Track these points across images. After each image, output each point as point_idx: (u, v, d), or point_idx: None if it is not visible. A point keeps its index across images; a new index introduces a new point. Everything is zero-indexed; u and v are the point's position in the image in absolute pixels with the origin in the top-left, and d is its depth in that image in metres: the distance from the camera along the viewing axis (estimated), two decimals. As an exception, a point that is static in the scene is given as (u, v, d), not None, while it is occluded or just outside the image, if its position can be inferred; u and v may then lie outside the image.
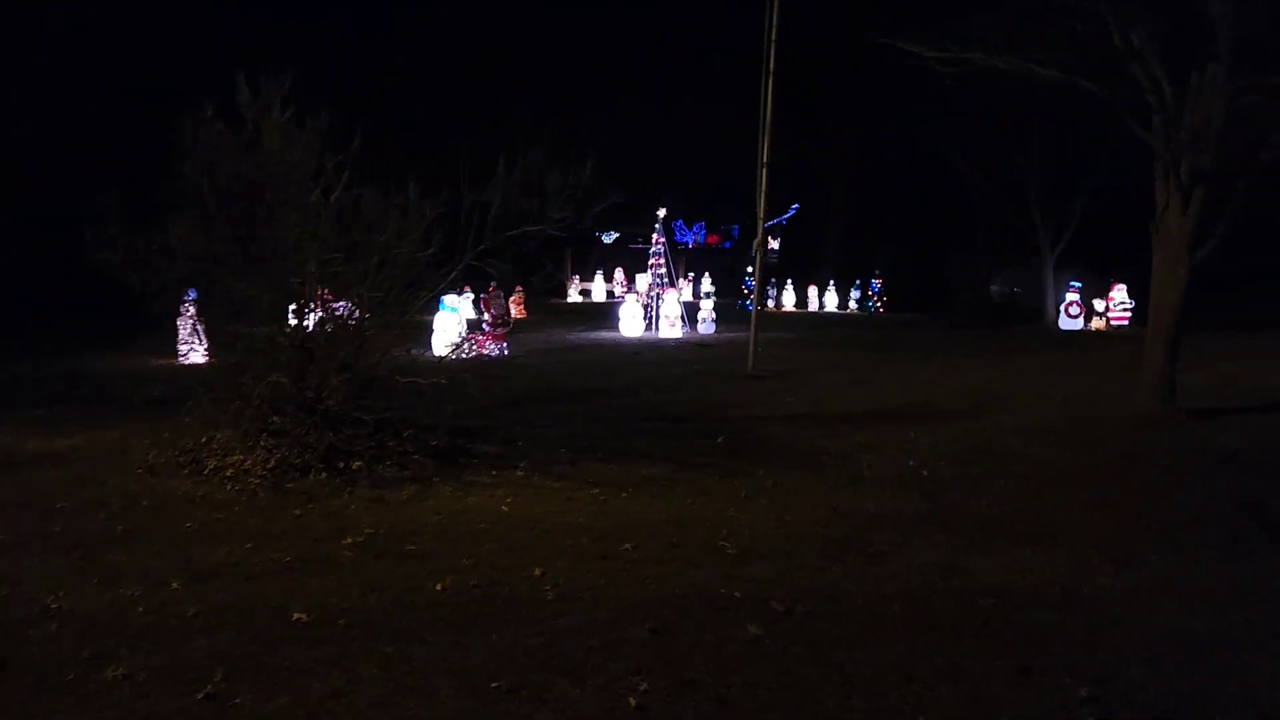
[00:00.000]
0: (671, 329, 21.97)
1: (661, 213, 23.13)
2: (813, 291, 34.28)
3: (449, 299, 18.33)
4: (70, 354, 16.29)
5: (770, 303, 34.87)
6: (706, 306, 23.31)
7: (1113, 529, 6.66)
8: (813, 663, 4.40)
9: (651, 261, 23.24)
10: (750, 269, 33.84)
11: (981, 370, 15.10)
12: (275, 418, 8.00)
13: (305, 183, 7.62)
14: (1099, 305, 24.03)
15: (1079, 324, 23.92)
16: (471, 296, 21.65)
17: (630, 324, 22.77)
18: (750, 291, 33.56)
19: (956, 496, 7.49)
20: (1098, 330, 23.69)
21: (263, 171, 7.30)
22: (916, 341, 20.88)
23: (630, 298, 23.01)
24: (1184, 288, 9.94)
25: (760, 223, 14.09)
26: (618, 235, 39.50)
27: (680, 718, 3.90)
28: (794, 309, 34.31)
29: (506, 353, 18.30)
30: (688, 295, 35.20)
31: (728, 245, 42.62)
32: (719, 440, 9.49)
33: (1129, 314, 23.72)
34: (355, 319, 8.36)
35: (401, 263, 8.20)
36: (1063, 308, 24.11)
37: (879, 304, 33.52)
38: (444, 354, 17.55)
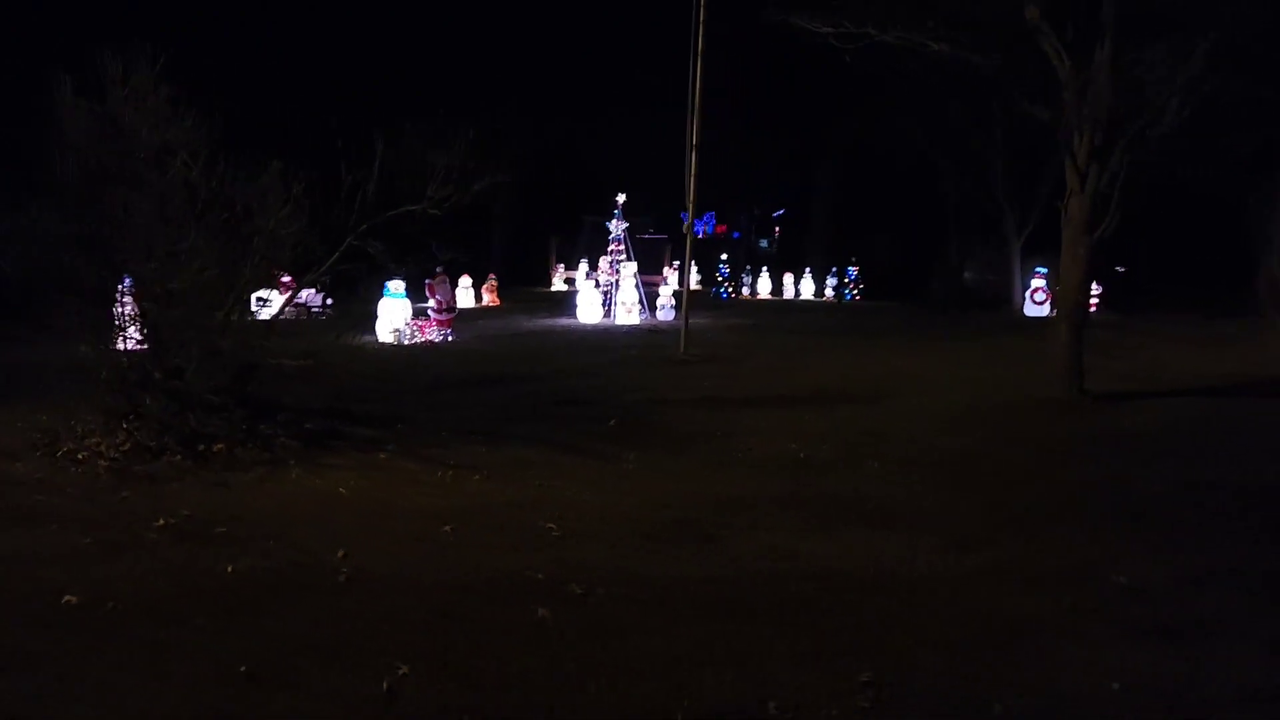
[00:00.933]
0: (628, 315, 21.82)
1: (621, 198, 22.96)
2: (789, 279, 34.07)
3: (393, 285, 18.23)
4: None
5: (746, 290, 34.74)
6: (666, 293, 23.15)
7: (970, 512, 6.52)
8: (589, 647, 4.25)
9: (611, 248, 23.07)
10: (724, 256, 33.78)
11: (919, 355, 14.92)
12: (149, 400, 7.89)
13: (159, 160, 7.47)
14: (1064, 291, 23.76)
15: (1045, 310, 23.66)
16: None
17: (588, 311, 22.66)
18: (724, 279, 33.61)
19: (824, 480, 7.35)
20: (1063, 316, 23.42)
21: (113, 148, 7.15)
22: (873, 327, 20.68)
23: (586, 285, 22.82)
24: (1085, 268, 9.74)
25: (690, 206, 13.92)
26: (626, 225, 39.33)
27: (426, 701, 3.77)
28: (770, 296, 34.13)
29: (451, 338, 18.17)
30: (674, 284, 35.11)
31: (736, 235, 42.29)
32: (611, 423, 9.35)
33: (1096, 300, 23.43)
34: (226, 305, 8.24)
35: (266, 244, 8.06)
36: (1028, 294, 23.86)
37: (856, 292, 33.33)
38: (388, 339, 17.73)
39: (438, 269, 18.66)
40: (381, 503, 6.48)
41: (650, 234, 37.88)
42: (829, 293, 34.04)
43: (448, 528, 5.91)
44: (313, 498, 6.58)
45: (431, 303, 18.54)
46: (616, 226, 22.92)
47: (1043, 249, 25.63)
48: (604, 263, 22.19)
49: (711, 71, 13.45)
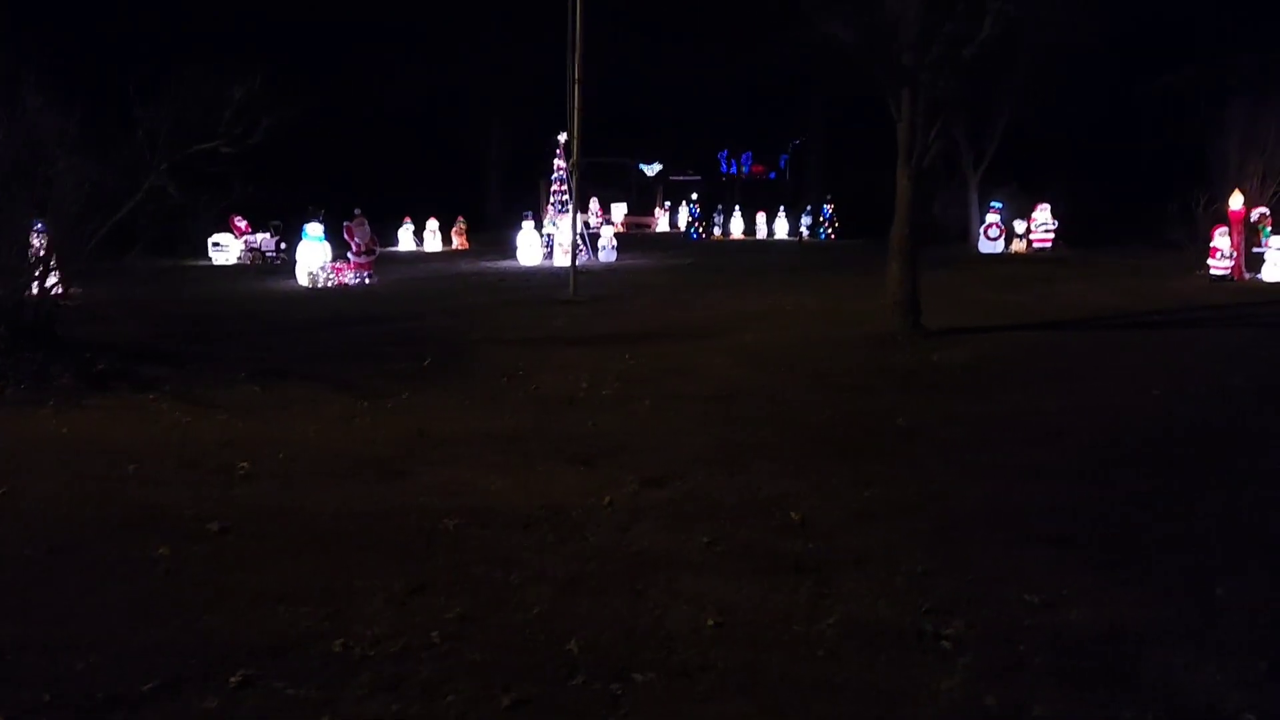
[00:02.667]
0: (565, 256, 21.59)
1: (562, 137, 22.55)
2: (761, 218, 33.56)
3: (311, 228, 18.20)
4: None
5: (718, 230, 34.32)
6: (607, 234, 22.90)
7: (695, 447, 6.38)
8: (197, 583, 4.17)
9: (554, 187, 22.76)
10: (694, 196, 33.26)
11: (815, 291, 14.65)
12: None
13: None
14: (1019, 227, 23.16)
15: (999, 246, 23.11)
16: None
17: (527, 253, 22.50)
18: (694, 219, 33.18)
19: (576, 416, 7.26)
20: (1017, 253, 22.88)
21: None
22: (807, 265, 20.35)
23: (527, 226, 22.61)
24: (908, 199, 9.42)
25: (575, 140, 13.64)
26: (660, 167, 38.84)
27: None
28: (743, 236, 33.69)
29: (369, 281, 18.13)
30: (664, 225, 34.85)
31: (773, 175, 41.44)
32: (425, 363, 9.30)
33: (1051, 236, 22.86)
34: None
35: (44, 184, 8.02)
36: (981, 230, 23.29)
37: (830, 231, 32.77)
38: (304, 283, 17.73)
39: (356, 211, 18.57)
40: (90, 441, 6.48)
41: (688, 175, 37.51)
42: (804, 232, 33.51)
43: (133, 466, 5.91)
44: (32, 436, 6.60)
45: (351, 244, 18.47)
46: (558, 167, 22.58)
47: (1006, 183, 25.05)
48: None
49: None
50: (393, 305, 14.38)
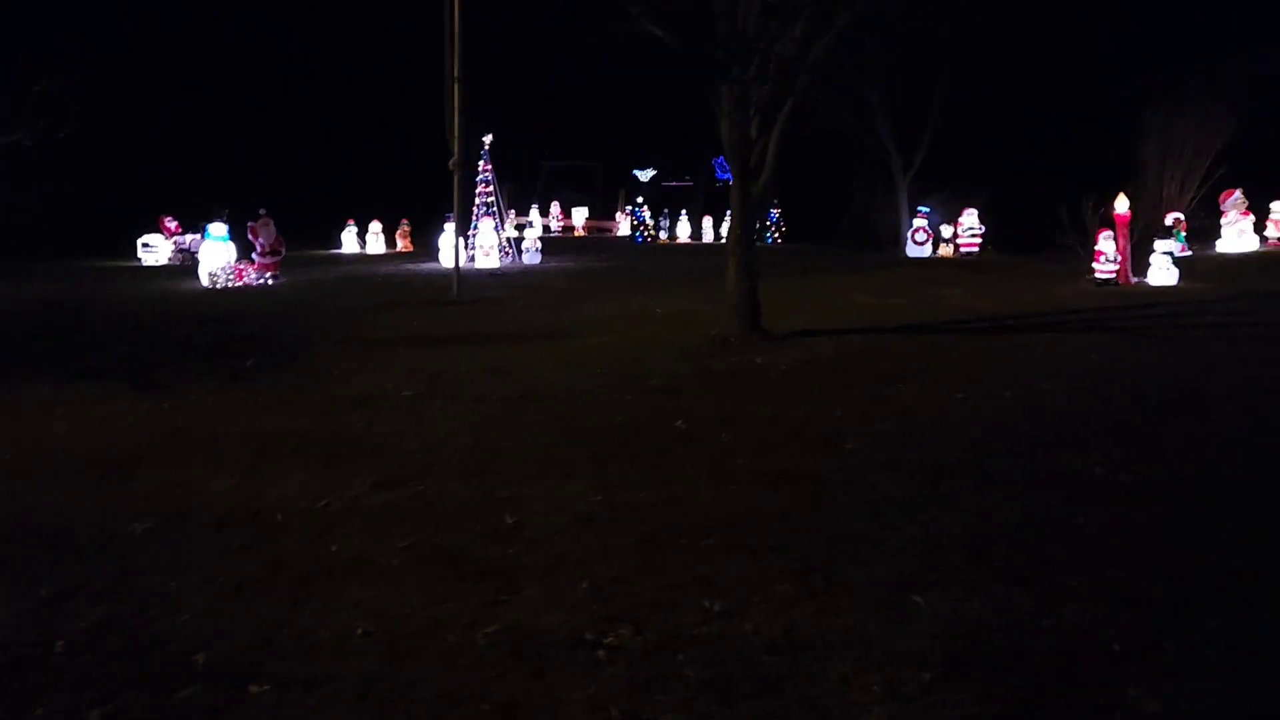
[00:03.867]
0: (486, 259, 21.45)
1: (488, 139, 22.43)
2: (708, 223, 33.43)
3: (214, 228, 17.98)
4: None
5: (663, 234, 34.19)
6: (531, 236, 22.71)
7: (461, 449, 6.17)
8: None
9: (478, 189, 22.59)
10: (640, 200, 33.12)
11: (698, 296, 14.41)
12: None
13: None
14: (946, 231, 23.06)
15: (927, 250, 23.01)
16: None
17: (448, 255, 22.31)
18: (639, 223, 33.04)
19: (360, 417, 7.04)
20: (944, 257, 22.77)
21: None
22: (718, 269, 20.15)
23: (448, 229, 22.37)
24: (739, 199, 9.26)
25: (456, 142, 13.45)
26: (654, 173, 38.73)
27: None
28: (689, 240, 33.54)
29: (272, 282, 17.91)
30: (626, 229, 34.73)
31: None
32: (249, 363, 9.13)
33: (978, 240, 22.78)
34: None
35: None
36: (909, 234, 23.18)
37: (777, 235, 32.66)
38: (206, 283, 17.50)
39: (261, 211, 18.36)
40: None
41: (680, 182, 37.37)
42: (750, 237, 33.35)
43: None
44: None
45: (256, 244, 18.26)
46: (483, 169, 22.43)
47: (938, 189, 24.99)
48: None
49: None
50: (274, 306, 14.18)
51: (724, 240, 32.83)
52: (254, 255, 18.22)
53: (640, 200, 32.83)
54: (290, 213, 32.53)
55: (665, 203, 34.47)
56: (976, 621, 3.44)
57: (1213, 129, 19.71)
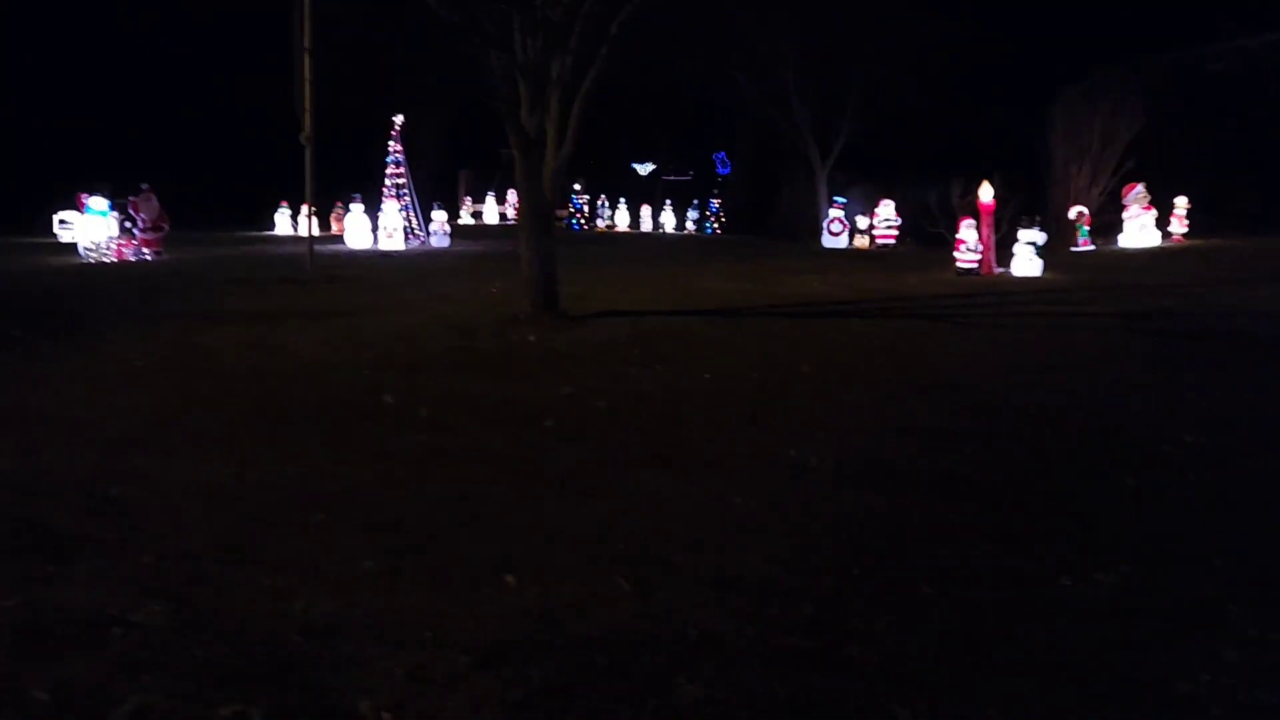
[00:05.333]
0: (389, 240, 21.13)
1: (399, 120, 22.07)
2: (646, 211, 33.13)
3: (94, 202, 17.61)
4: None
5: (602, 222, 33.92)
6: (439, 219, 22.38)
7: (141, 422, 5.89)
8: None
9: (388, 170, 22.24)
10: (577, 186, 32.71)
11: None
12: None
13: None
14: (863, 223, 22.78)
15: (843, 242, 22.74)
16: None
17: (356, 237, 22.02)
18: (575, 210, 32.74)
19: (66, 390, 6.79)
20: (859, 248, 22.49)
21: None
22: (624, 256, 19.86)
23: (356, 209, 22.05)
24: (523, 173, 8.95)
25: (307, 115, 13.12)
26: (654, 167, 38.40)
27: None
28: (629, 229, 33.25)
29: (152, 258, 17.57)
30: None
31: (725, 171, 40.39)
32: (14, 333, 8.85)
33: (895, 232, 22.50)
34: None
35: None
36: (825, 225, 22.90)
37: (716, 225, 32.38)
38: (85, 257, 17.15)
39: (143, 186, 18.00)
40: None
41: (680, 176, 36.94)
42: (690, 226, 33.11)
43: None
44: None
45: (138, 220, 17.90)
46: (393, 150, 22.09)
47: (861, 180, 24.73)
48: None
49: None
50: (129, 281, 13.92)
51: (659, 229, 32.69)
52: (135, 231, 17.85)
53: (578, 188, 32.52)
54: (226, 194, 32.41)
55: (665, 196, 34.08)
56: (561, 604, 3.23)
57: (1121, 123, 19.55)
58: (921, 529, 4.01)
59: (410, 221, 22.49)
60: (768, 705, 2.59)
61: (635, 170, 38.17)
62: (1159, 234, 18.58)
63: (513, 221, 39.21)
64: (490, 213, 35.83)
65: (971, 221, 13.65)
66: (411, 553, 3.71)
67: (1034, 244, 13.47)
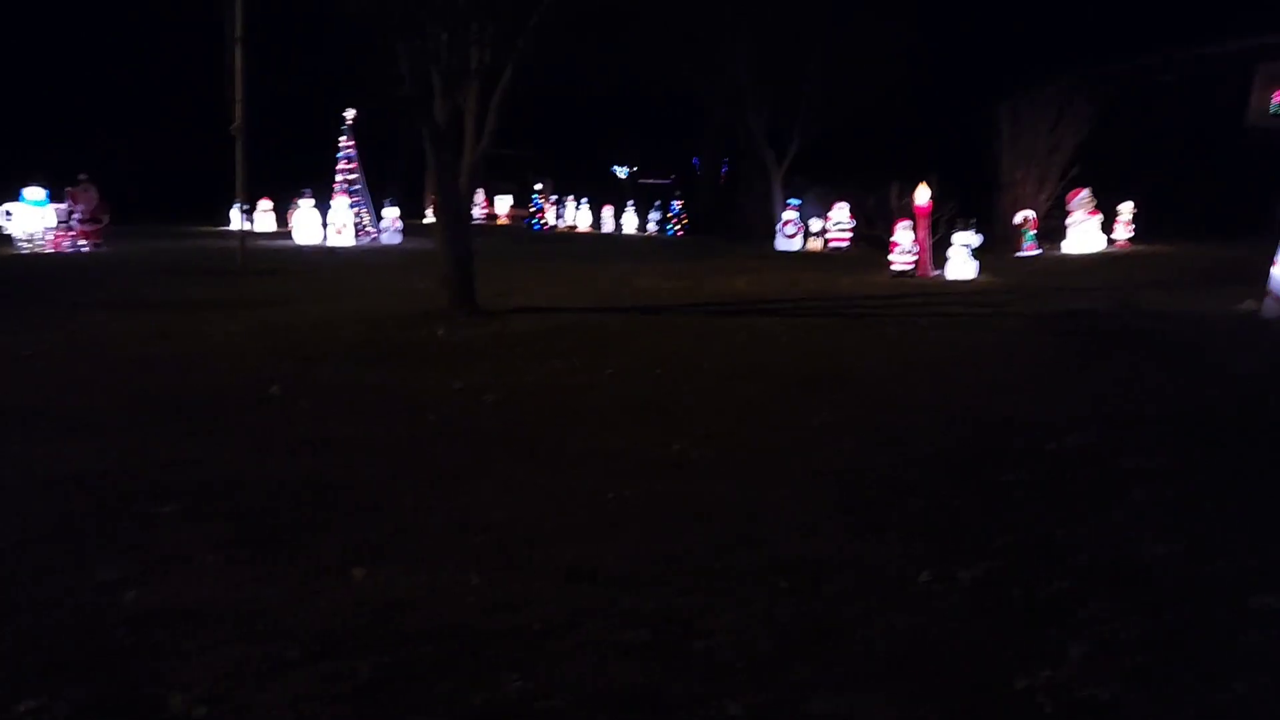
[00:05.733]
0: (338, 236, 20.96)
1: (350, 114, 21.88)
2: (608, 212, 33.06)
3: (30, 192, 17.35)
4: None
5: (563, 223, 33.85)
6: (391, 215, 22.23)
7: (52, 409, 5.81)
8: None
9: (339, 166, 22.05)
10: (537, 187, 32.62)
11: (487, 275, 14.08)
12: None
13: None
14: (816, 225, 22.82)
15: (796, 244, 22.74)
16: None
17: (305, 232, 21.86)
18: (537, 211, 32.65)
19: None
20: (813, 251, 22.52)
21: None
22: (570, 254, 19.83)
23: (305, 203, 21.87)
24: (441, 171, 8.88)
25: (238, 105, 12.99)
26: (635, 169, 38.19)
27: None
28: (589, 229, 33.17)
29: (89, 249, 17.33)
30: (551, 219, 34.32)
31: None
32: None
33: (849, 235, 22.53)
34: None
35: None
36: (779, 227, 22.91)
37: (678, 227, 32.35)
38: (18, 249, 16.88)
39: (81, 176, 17.76)
40: None
41: (660, 179, 36.78)
42: (652, 227, 33.06)
43: None
44: None
45: (75, 210, 17.64)
46: (345, 145, 21.91)
47: (818, 183, 24.78)
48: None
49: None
50: (49, 270, 13.73)
51: (620, 230, 32.64)
52: (73, 221, 17.60)
53: (539, 188, 32.45)
54: (183, 189, 32.00)
55: (629, 198, 33.97)
56: (405, 596, 3.18)
57: (1068, 129, 19.70)
58: (789, 522, 3.98)
59: (363, 218, 22.33)
60: (595, 699, 2.55)
61: (615, 173, 38.17)
62: (1104, 239, 18.72)
63: (480, 220, 39.33)
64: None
65: (907, 223, 13.69)
66: (260, 544, 3.65)
67: (969, 246, 13.53)
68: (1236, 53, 22.22)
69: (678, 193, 32.72)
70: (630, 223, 33.28)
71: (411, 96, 8.56)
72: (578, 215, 33.54)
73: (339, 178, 22.19)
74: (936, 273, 13.86)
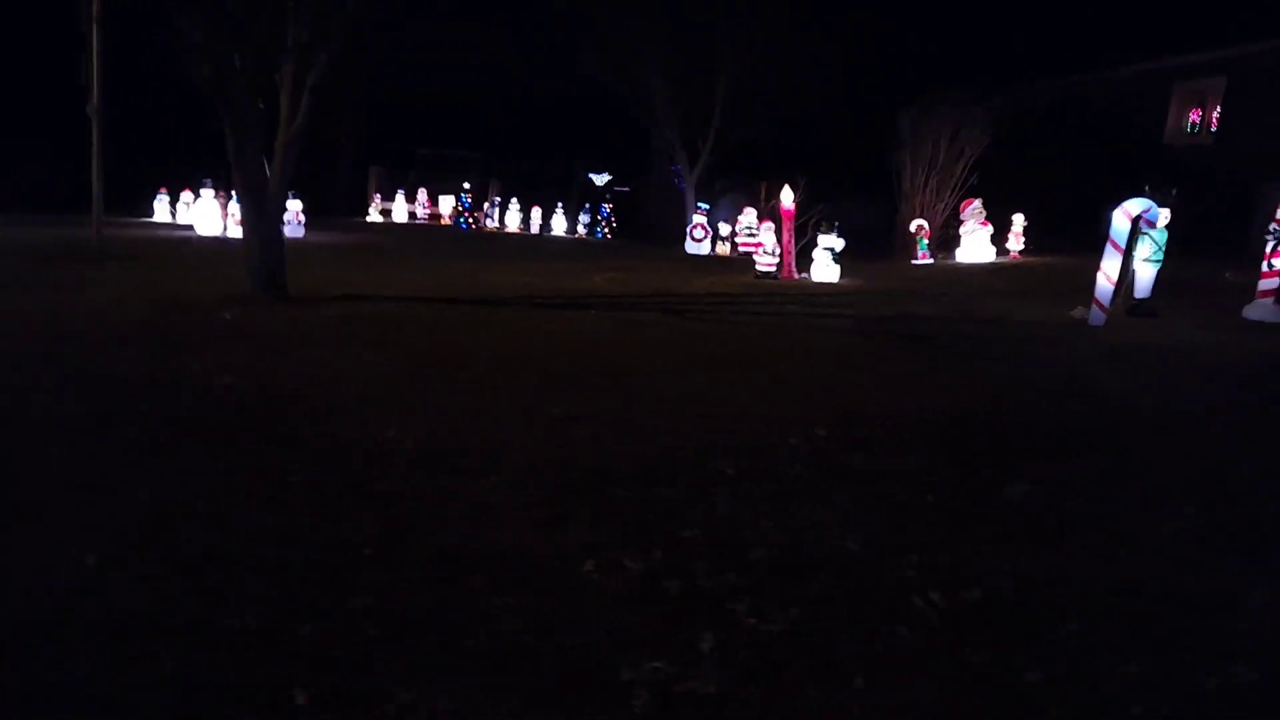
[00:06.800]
0: (238, 227, 20.67)
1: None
2: (536, 213, 32.89)
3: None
4: None
5: (490, 222, 33.67)
6: (294, 208, 21.95)
7: None
8: None
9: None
10: (466, 186, 32.43)
11: (349, 265, 13.92)
12: None
13: None
14: (725, 230, 22.81)
15: (705, 248, 22.72)
16: None
17: (205, 223, 21.55)
18: (464, 209, 32.42)
19: None
20: (721, 255, 22.50)
21: None
22: (471, 252, 19.68)
23: (205, 195, 21.54)
24: (238, 156, 8.72)
25: (94, 86, 12.75)
26: (610, 177, 37.89)
27: None
28: (518, 230, 32.98)
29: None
30: (494, 219, 34.20)
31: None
32: None
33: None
34: None
35: None
36: (688, 230, 22.88)
37: (607, 230, 32.25)
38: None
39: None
40: None
41: (619, 187, 36.55)
42: (581, 230, 32.93)
43: None
44: None
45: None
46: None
47: (735, 188, 24.80)
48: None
49: None
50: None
51: (549, 232, 32.53)
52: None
53: (466, 187, 32.27)
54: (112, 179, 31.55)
55: (558, 200, 33.85)
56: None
57: (966, 140, 19.85)
58: (468, 512, 3.92)
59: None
60: (159, 686, 2.50)
61: (591, 180, 38.03)
62: (993, 250, 18.85)
63: (422, 220, 39.10)
64: (399, 211, 35.40)
65: (770, 225, 13.67)
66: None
67: (831, 250, 13.54)
68: (1154, 72, 22.57)
69: (608, 196, 32.63)
70: (559, 225, 33.16)
71: (207, 75, 8.38)
72: (506, 216, 33.36)
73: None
74: (803, 275, 13.85)
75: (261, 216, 9.03)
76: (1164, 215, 10.40)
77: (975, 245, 18.77)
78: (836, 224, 13.55)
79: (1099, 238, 10.46)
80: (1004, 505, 4.33)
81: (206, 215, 21.38)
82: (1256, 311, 10.85)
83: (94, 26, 12.61)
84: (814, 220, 13.84)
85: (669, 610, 3.10)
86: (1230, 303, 11.29)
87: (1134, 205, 9.96)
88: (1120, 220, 9.97)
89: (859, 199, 22.67)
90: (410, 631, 2.86)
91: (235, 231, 20.67)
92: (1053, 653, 2.95)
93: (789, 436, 5.28)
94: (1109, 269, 10.02)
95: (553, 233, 33.05)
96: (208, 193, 21.63)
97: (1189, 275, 14.15)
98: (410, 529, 3.70)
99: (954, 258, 19.06)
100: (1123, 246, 10.00)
